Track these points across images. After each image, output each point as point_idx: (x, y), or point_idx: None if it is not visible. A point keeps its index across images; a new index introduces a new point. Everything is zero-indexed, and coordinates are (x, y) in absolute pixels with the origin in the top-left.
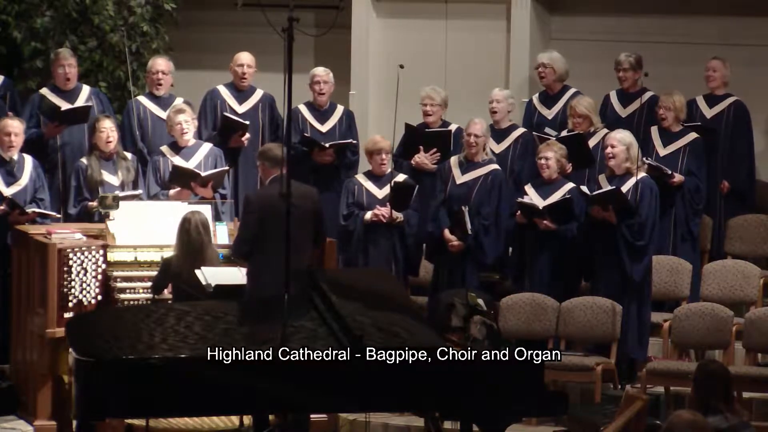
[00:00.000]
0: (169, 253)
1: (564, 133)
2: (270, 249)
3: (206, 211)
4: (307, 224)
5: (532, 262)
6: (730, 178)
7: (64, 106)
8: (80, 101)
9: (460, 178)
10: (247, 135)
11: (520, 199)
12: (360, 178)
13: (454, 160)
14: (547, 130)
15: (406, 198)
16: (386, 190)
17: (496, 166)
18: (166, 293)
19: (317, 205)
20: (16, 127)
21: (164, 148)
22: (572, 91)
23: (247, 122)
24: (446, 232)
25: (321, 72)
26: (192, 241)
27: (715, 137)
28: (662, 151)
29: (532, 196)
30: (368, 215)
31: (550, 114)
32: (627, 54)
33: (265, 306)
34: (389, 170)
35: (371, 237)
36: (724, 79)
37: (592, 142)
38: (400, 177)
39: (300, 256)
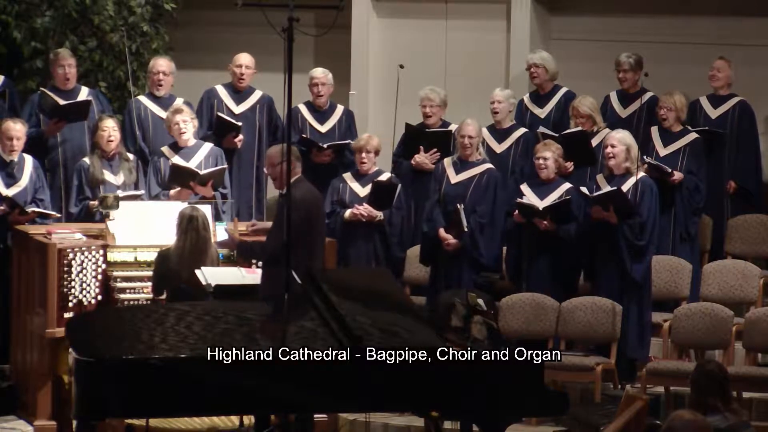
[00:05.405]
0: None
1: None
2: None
3: (206, 210)
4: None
5: (531, 262)
6: (738, 179)
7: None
8: None
9: (455, 178)
10: (241, 136)
11: (519, 200)
12: (346, 176)
13: (447, 160)
14: (542, 129)
15: (387, 197)
16: (369, 188)
17: (490, 166)
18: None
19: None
20: (18, 130)
21: (165, 149)
22: (564, 90)
23: (240, 123)
24: (441, 231)
25: (319, 74)
26: (200, 239)
27: (719, 138)
28: (662, 152)
29: (528, 195)
30: (347, 213)
31: (542, 113)
32: (627, 54)
33: (266, 306)
34: (373, 169)
35: (351, 235)
36: (728, 80)
37: (594, 142)
38: (385, 176)
39: (318, 258)
